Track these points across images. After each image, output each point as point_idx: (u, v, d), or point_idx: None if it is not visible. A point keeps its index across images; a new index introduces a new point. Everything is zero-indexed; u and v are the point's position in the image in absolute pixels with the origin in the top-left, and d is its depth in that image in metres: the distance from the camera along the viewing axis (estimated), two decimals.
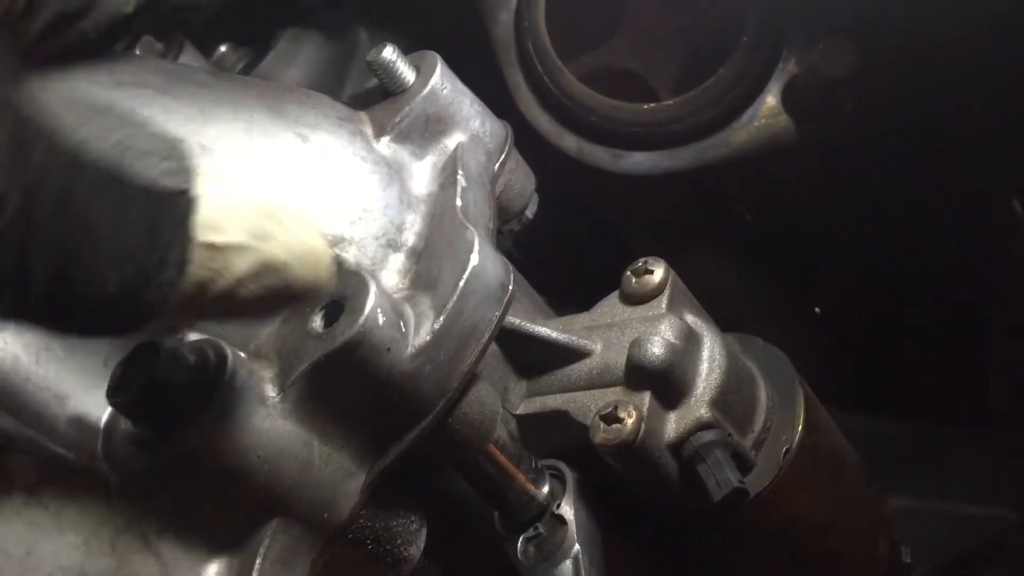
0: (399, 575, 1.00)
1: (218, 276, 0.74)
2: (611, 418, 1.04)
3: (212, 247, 0.73)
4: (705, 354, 1.11)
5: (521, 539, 1.07)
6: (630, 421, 1.03)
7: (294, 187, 0.98)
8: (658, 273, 1.14)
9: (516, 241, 1.47)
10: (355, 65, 1.64)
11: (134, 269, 0.68)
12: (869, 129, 1.43)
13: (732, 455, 1.06)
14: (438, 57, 1.11)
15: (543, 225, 1.29)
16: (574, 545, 1.05)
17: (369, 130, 1.07)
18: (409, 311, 0.93)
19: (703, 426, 1.06)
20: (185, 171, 0.73)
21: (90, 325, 0.71)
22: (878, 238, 1.57)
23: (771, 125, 1.46)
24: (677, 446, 1.06)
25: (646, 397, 1.06)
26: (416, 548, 1.00)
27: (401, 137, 1.07)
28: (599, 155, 1.53)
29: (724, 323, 1.18)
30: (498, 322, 0.97)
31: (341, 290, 0.90)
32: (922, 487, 1.60)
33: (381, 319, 0.88)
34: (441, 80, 1.09)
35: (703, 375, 1.09)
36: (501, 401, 1.04)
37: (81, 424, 0.89)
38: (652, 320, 1.11)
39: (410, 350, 0.91)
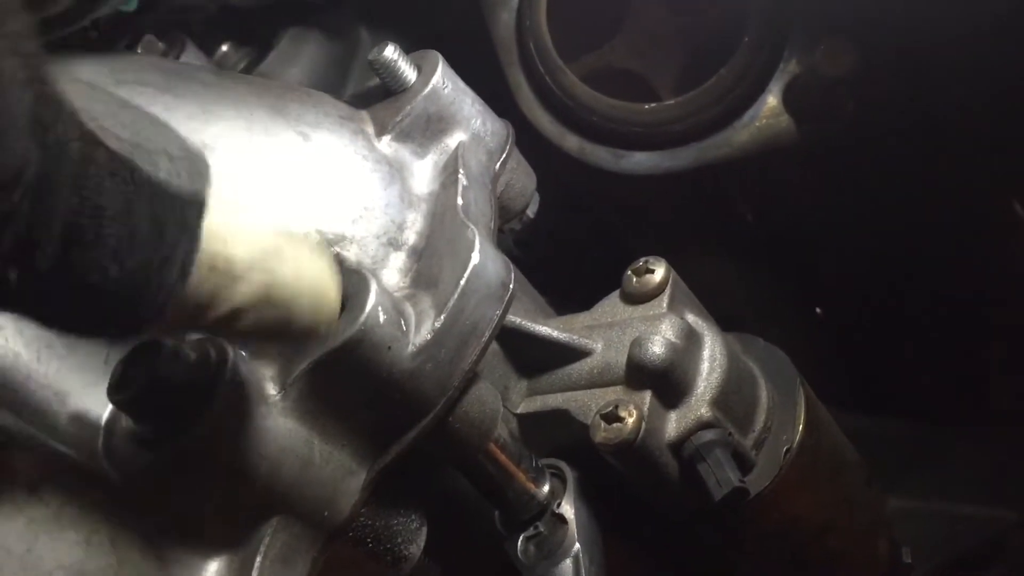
0: (399, 573, 1.00)
1: (220, 297, 0.72)
2: (612, 417, 1.04)
3: (217, 265, 0.71)
4: (706, 353, 1.11)
5: (521, 538, 1.07)
6: (631, 420, 1.03)
7: (295, 186, 0.98)
8: (659, 272, 1.14)
9: (517, 240, 1.47)
10: (357, 64, 1.64)
11: (136, 262, 0.66)
12: (869, 129, 1.43)
13: (733, 454, 1.06)
14: (439, 56, 1.11)
15: (544, 225, 1.30)
16: (574, 544, 1.05)
17: (370, 129, 1.07)
18: (410, 309, 0.93)
19: (704, 425, 1.06)
20: (199, 177, 0.71)
21: (87, 322, 0.70)
22: (878, 238, 1.57)
23: (772, 125, 1.46)
24: (678, 445, 1.06)
25: (647, 396, 1.06)
26: (416, 547, 1.00)
27: (402, 136, 1.07)
28: (600, 155, 1.53)
29: (724, 323, 1.17)
30: (499, 321, 0.97)
31: (342, 288, 0.90)
32: (922, 487, 1.60)
33: (382, 317, 0.88)
34: (442, 79, 1.09)
35: (704, 374, 1.09)
36: (502, 400, 1.04)
37: (82, 422, 0.88)
38: (653, 319, 1.11)
39: (411, 348, 0.91)
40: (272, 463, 0.87)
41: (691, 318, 1.13)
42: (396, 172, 1.05)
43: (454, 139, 1.09)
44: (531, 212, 1.21)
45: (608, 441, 1.03)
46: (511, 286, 0.98)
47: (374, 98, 1.11)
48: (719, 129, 1.47)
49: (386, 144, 1.07)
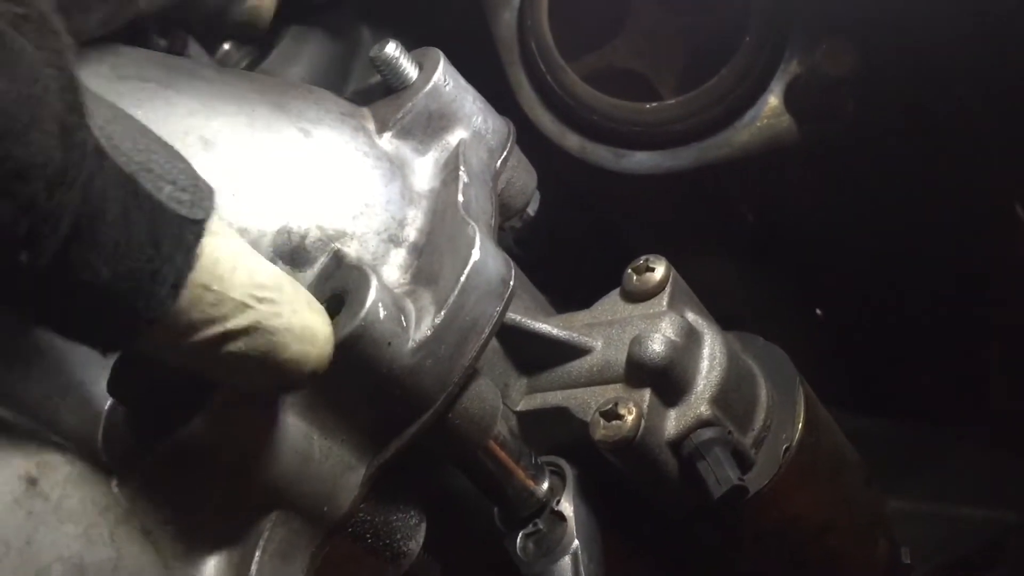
0: (398, 569, 1.00)
1: (210, 321, 0.74)
2: (611, 415, 1.04)
3: (210, 289, 0.73)
4: (706, 352, 1.11)
5: (520, 535, 1.07)
6: (630, 418, 1.03)
7: (296, 181, 0.98)
8: (659, 271, 1.14)
9: (517, 239, 1.47)
10: (358, 62, 1.64)
11: (128, 270, 0.69)
12: (870, 129, 1.43)
13: (732, 453, 1.06)
14: (441, 54, 1.11)
15: (545, 223, 1.30)
16: (573, 541, 1.05)
17: (371, 126, 1.07)
18: (410, 306, 0.93)
19: (703, 423, 1.06)
20: (201, 207, 0.73)
21: (76, 327, 0.72)
22: (878, 238, 1.58)
23: (773, 125, 1.46)
24: (677, 443, 1.06)
25: (646, 394, 1.06)
26: (415, 543, 1.00)
27: (403, 133, 1.07)
28: (601, 154, 1.54)
29: (724, 322, 1.18)
30: (499, 317, 0.97)
31: (342, 284, 0.90)
32: (922, 487, 1.60)
33: (382, 313, 0.88)
34: (444, 77, 1.10)
35: (703, 373, 1.09)
36: (501, 397, 1.04)
37: (82, 415, 0.89)
38: (653, 317, 1.11)
39: (411, 344, 0.91)
40: (271, 458, 0.87)
41: (691, 316, 1.13)
42: (397, 169, 1.05)
43: (455, 136, 1.09)
44: (532, 210, 1.21)
45: (607, 439, 1.03)
46: (511, 283, 0.98)
47: (375, 95, 1.11)
48: (720, 129, 1.48)
49: (387, 141, 1.07)
